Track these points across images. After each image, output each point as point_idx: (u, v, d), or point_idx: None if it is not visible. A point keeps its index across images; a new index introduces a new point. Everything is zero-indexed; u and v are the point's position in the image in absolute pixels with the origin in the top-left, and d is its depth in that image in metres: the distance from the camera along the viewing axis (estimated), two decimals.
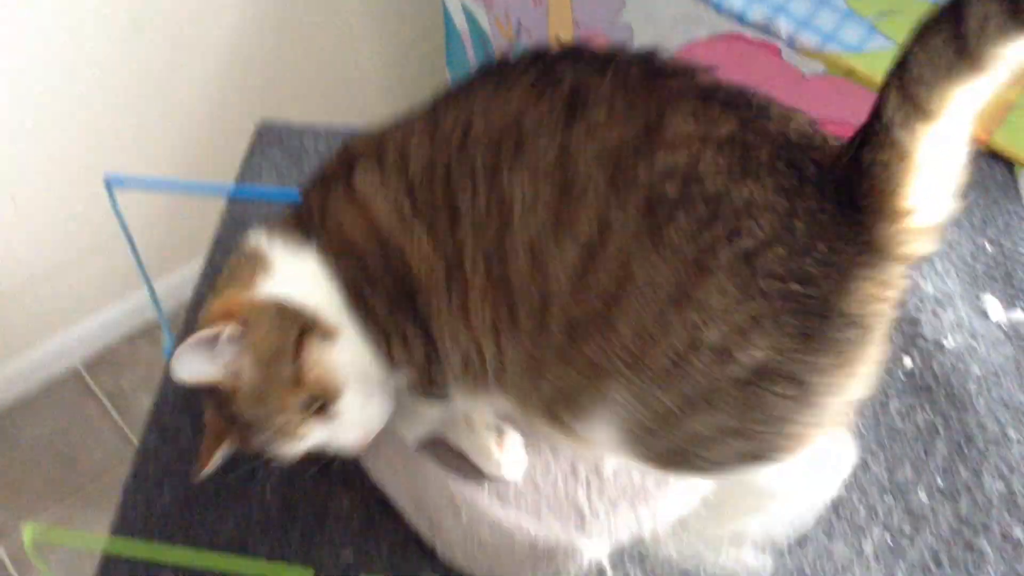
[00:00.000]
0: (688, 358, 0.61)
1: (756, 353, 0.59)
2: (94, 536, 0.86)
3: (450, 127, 0.68)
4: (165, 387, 0.95)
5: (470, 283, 0.68)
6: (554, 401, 0.69)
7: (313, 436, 0.75)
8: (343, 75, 1.98)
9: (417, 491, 0.83)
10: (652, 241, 0.59)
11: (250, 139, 1.14)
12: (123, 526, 0.86)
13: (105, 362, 1.99)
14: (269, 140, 1.14)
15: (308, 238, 0.76)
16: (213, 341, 0.72)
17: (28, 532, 0.83)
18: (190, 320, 1.00)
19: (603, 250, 0.61)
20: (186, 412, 0.93)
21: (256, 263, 0.77)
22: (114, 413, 1.92)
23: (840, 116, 1.34)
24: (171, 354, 1.00)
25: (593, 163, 0.60)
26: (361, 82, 2.02)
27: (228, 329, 0.72)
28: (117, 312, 1.98)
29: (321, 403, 0.74)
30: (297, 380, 0.73)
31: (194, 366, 0.72)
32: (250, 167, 1.11)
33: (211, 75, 1.78)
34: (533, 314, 0.65)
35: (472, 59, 1.83)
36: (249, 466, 0.80)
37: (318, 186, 0.78)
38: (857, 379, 0.63)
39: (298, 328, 0.74)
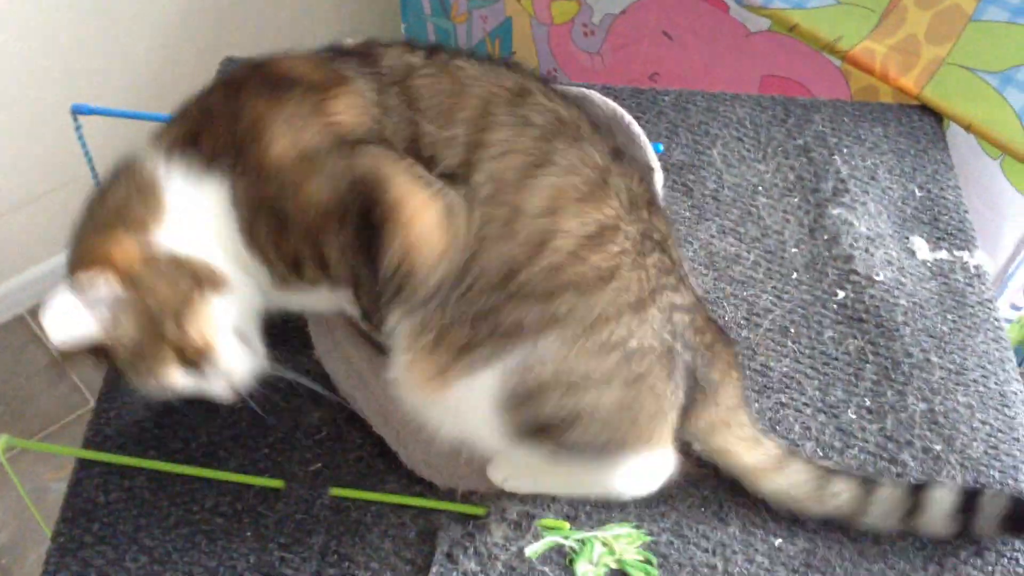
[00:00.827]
0: (611, 352, 0.72)
1: (644, 364, 0.74)
2: (68, 447, 0.88)
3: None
4: None
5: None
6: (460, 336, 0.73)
7: (181, 385, 0.74)
8: (300, 13, 1.98)
9: (384, 405, 0.86)
10: (638, 261, 0.74)
11: (216, 73, 1.15)
12: (96, 440, 0.88)
13: None
14: None
15: (216, 159, 0.70)
16: (90, 293, 0.67)
17: (1, 442, 0.85)
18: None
19: (623, 265, 0.73)
20: None
21: (150, 199, 0.70)
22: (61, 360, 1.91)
23: (783, 73, 1.41)
24: None
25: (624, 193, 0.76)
26: (316, 19, 2.02)
27: (107, 283, 0.67)
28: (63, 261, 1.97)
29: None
30: (180, 342, 0.70)
31: (70, 326, 0.67)
32: None
33: (176, 10, 1.76)
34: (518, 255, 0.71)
35: None
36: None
37: (260, 93, 0.71)
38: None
39: (191, 284, 0.70)
